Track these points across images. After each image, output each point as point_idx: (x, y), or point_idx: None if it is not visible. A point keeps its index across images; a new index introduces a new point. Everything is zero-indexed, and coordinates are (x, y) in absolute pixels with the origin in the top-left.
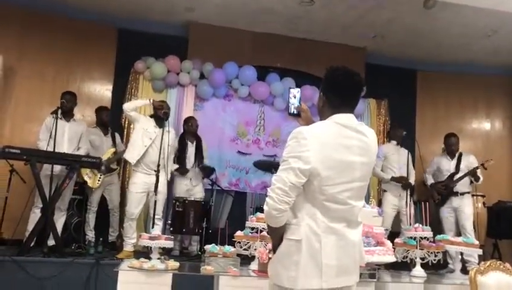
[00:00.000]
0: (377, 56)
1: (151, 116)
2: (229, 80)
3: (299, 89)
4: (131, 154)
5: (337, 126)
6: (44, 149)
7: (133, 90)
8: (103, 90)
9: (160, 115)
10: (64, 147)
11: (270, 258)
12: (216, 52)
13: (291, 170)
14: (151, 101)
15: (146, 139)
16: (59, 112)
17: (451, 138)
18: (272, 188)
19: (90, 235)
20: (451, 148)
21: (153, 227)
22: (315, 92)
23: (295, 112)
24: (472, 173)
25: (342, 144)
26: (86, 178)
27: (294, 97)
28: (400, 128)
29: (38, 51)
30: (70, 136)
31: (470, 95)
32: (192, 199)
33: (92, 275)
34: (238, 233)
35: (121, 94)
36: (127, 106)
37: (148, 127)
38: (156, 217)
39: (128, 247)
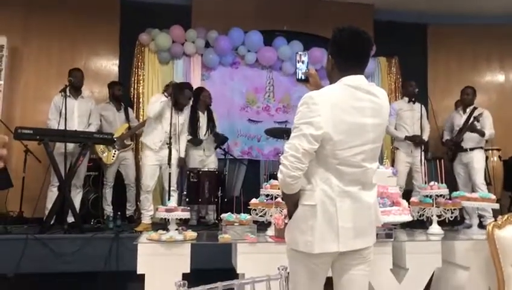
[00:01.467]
0: (385, 12)
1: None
2: (235, 47)
3: (306, 53)
4: (152, 140)
5: (348, 88)
6: (55, 128)
7: (139, 64)
8: (110, 65)
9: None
10: (75, 124)
11: (286, 224)
12: (220, 19)
13: (304, 137)
14: (168, 96)
15: (166, 125)
16: (67, 89)
17: (466, 89)
18: (284, 156)
19: (108, 210)
20: (464, 101)
21: (169, 199)
22: (324, 54)
23: (303, 78)
24: (470, 129)
25: (353, 107)
26: (100, 154)
27: (302, 62)
28: (411, 84)
29: (43, 30)
30: (80, 113)
31: (483, 47)
32: (206, 169)
33: (112, 249)
34: (253, 201)
35: (127, 68)
36: (153, 115)
37: (166, 112)
38: (171, 189)
39: (146, 219)
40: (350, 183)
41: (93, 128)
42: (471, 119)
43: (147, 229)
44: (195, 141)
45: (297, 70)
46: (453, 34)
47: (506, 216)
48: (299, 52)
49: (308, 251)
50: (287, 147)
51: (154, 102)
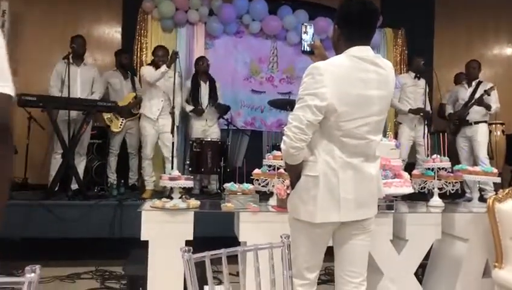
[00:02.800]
0: None
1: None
2: (240, 16)
3: (311, 24)
4: (150, 110)
5: (353, 60)
6: (56, 95)
7: (142, 31)
8: (112, 33)
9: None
10: (78, 92)
11: (288, 194)
12: None
13: (308, 108)
14: (167, 68)
15: (160, 94)
16: (70, 57)
17: (471, 63)
18: (288, 127)
19: (112, 177)
20: (469, 74)
21: (172, 168)
22: (329, 24)
23: (308, 49)
24: (479, 102)
25: (358, 78)
26: (108, 122)
27: (306, 33)
28: (418, 59)
29: None
30: (83, 81)
31: (492, 18)
32: (209, 139)
33: (116, 215)
34: (256, 171)
35: (130, 35)
36: (153, 80)
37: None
38: (169, 157)
39: (150, 186)
40: (353, 155)
41: (96, 96)
42: (482, 92)
43: (153, 196)
44: (197, 111)
45: (302, 41)
46: (461, 6)
47: (507, 190)
48: (305, 24)
49: (310, 220)
50: (291, 118)
51: (152, 70)
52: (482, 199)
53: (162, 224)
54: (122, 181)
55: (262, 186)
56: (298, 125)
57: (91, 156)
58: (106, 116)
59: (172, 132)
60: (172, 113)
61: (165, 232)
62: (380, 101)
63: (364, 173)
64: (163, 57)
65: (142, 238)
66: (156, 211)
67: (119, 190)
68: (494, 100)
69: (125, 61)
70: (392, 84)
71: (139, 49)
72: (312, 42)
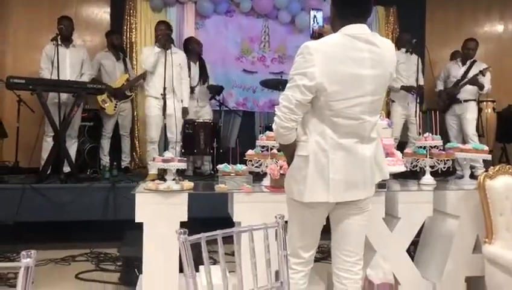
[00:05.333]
0: None
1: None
2: None
3: (321, 11)
4: (155, 89)
5: (347, 38)
6: (48, 78)
7: (131, 11)
8: (101, 13)
9: (161, 41)
10: (67, 73)
11: (281, 175)
12: None
13: (297, 88)
14: (158, 47)
15: (161, 70)
16: (58, 38)
17: (469, 42)
18: (278, 107)
19: (105, 160)
20: (466, 52)
21: (166, 149)
22: (321, 2)
23: (316, 35)
24: (473, 82)
25: (350, 57)
26: (102, 104)
27: (315, 19)
28: (409, 36)
29: None
30: (72, 63)
31: None
32: (201, 120)
33: (109, 198)
34: (249, 152)
35: (119, 16)
36: (150, 68)
37: (158, 57)
38: (175, 140)
39: (153, 170)
40: (345, 136)
41: (86, 78)
42: (477, 72)
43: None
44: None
45: (311, 27)
46: None
47: (497, 167)
48: (313, 9)
49: (300, 199)
50: (281, 98)
51: (149, 54)
52: (472, 176)
53: (156, 206)
54: (115, 163)
55: (256, 167)
56: (287, 105)
57: (83, 139)
58: (100, 98)
59: (163, 114)
60: (163, 95)
61: (160, 214)
62: (373, 80)
63: (357, 155)
64: (158, 34)
65: (136, 220)
66: (150, 193)
67: (111, 173)
68: (487, 81)
69: (117, 42)
70: (389, 63)
71: (128, 30)
72: (321, 27)
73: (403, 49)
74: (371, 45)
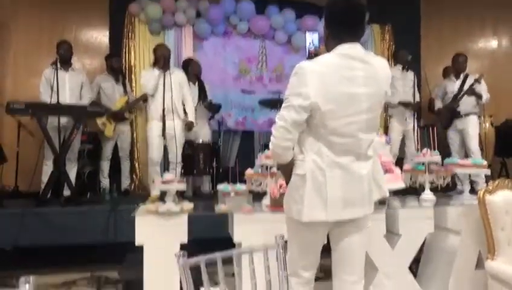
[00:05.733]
0: None
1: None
2: (227, 16)
3: (316, 32)
4: (156, 110)
5: (340, 57)
6: (47, 102)
7: (129, 34)
8: (100, 37)
9: (160, 63)
10: (67, 97)
11: (281, 194)
12: None
13: (292, 107)
14: (157, 70)
15: (160, 92)
16: (58, 62)
17: (458, 57)
18: (274, 127)
19: (105, 182)
20: (456, 68)
21: (165, 170)
22: (317, 23)
23: (313, 56)
24: (470, 92)
25: (344, 76)
26: (101, 127)
27: (311, 39)
28: (405, 52)
29: (32, 2)
30: (71, 86)
31: (476, 13)
32: (200, 141)
33: (109, 221)
34: (249, 171)
35: (118, 39)
36: (151, 91)
37: (158, 79)
38: (175, 161)
39: (155, 191)
40: (342, 154)
41: (85, 101)
42: (473, 81)
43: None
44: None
45: (307, 48)
46: (446, 1)
47: (497, 182)
48: (308, 31)
49: (298, 218)
50: (277, 118)
51: (149, 78)
52: (473, 191)
53: (156, 228)
54: (115, 186)
55: (256, 186)
56: (283, 124)
57: (82, 162)
58: (100, 121)
59: (163, 135)
60: (163, 117)
61: (160, 236)
62: (368, 98)
63: (354, 173)
64: (158, 56)
65: (136, 243)
66: (149, 216)
67: (111, 195)
68: (483, 90)
69: (116, 65)
70: (383, 81)
71: (127, 53)
72: (317, 48)
73: (399, 66)
74: (364, 63)
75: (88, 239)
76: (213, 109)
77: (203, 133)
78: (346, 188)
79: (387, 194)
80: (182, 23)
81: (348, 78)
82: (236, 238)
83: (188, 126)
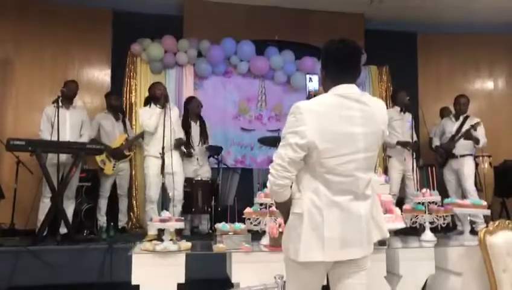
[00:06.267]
0: (376, 22)
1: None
2: (228, 57)
3: (316, 74)
4: (155, 148)
5: (337, 98)
6: (47, 139)
7: (131, 74)
8: (102, 75)
9: (161, 101)
10: (67, 135)
11: (280, 233)
12: (212, 29)
13: (289, 146)
14: (158, 108)
15: (160, 129)
16: (59, 100)
17: (460, 98)
18: (272, 165)
19: (102, 220)
20: (458, 108)
21: (164, 208)
22: (315, 63)
23: (312, 97)
24: (466, 136)
25: (341, 116)
26: (101, 165)
27: (311, 81)
28: (403, 94)
29: (35, 39)
30: (72, 124)
31: (472, 55)
32: (200, 179)
33: (106, 259)
34: (247, 210)
35: (119, 78)
36: (152, 129)
37: (159, 117)
38: (175, 197)
39: (152, 230)
40: (339, 193)
41: (85, 139)
42: (469, 127)
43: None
44: (187, 154)
45: (307, 89)
46: (443, 42)
47: (497, 222)
48: (308, 75)
49: (295, 258)
50: (275, 156)
51: (150, 116)
52: (473, 232)
53: (153, 267)
54: (112, 224)
55: (254, 225)
56: (280, 163)
57: (80, 199)
58: (99, 158)
59: (162, 172)
60: (162, 154)
61: (156, 275)
62: (365, 137)
63: (351, 212)
64: (159, 95)
65: (133, 283)
66: (146, 254)
67: (109, 233)
68: (481, 134)
69: (116, 103)
70: (380, 121)
71: (128, 91)
72: (317, 90)
73: (397, 107)
74: (360, 103)
75: (84, 278)
76: (214, 151)
77: (203, 171)
78: (344, 227)
79: (388, 235)
80: (183, 63)
81: (345, 117)
82: (234, 278)
83: (178, 142)
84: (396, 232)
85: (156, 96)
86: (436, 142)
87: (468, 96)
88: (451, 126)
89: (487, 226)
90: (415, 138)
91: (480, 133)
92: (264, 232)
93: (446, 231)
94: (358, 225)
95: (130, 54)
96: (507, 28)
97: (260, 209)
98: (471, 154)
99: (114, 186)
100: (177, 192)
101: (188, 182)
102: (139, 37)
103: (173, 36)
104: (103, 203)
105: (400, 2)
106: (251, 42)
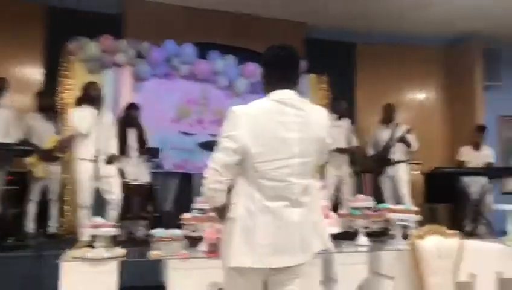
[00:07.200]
0: (317, 31)
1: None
2: (169, 59)
3: None
4: (87, 152)
5: (273, 103)
6: None
7: (66, 73)
8: (34, 74)
9: (96, 102)
10: None
11: (218, 239)
12: (153, 30)
13: (223, 150)
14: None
15: (94, 132)
16: None
17: (387, 107)
18: (206, 170)
19: (31, 227)
20: (386, 117)
21: (100, 215)
22: (257, 69)
23: None
24: (400, 139)
25: (275, 120)
26: (31, 167)
27: None
28: (340, 102)
29: None
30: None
31: (406, 66)
32: (136, 183)
33: (34, 267)
34: (185, 215)
35: (53, 77)
36: (86, 131)
37: (92, 119)
38: (113, 201)
39: (85, 237)
40: (273, 199)
41: (13, 139)
42: (403, 132)
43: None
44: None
45: None
46: (380, 53)
47: (426, 227)
48: None
49: (227, 264)
50: (209, 160)
51: (85, 117)
52: (405, 236)
53: (83, 276)
54: (41, 230)
55: (192, 231)
56: (214, 167)
57: (6, 204)
58: (30, 160)
59: (96, 178)
60: (96, 157)
61: (87, 284)
62: (300, 143)
63: (284, 219)
64: (95, 95)
65: None
66: (76, 262)
67: (37, 240)
68: (412, 139)
69: (47, 103)
70: (318, 127)
71: (62, 91)
72: None
73: (335, 115)
74: (296, 109)
75: (10, 288)
76: (151, 153)
77: (141, 175)
78: (276, 234)
79: (329, 246)
80: (122, 64)
81: (279, 122)
82: (170, 285)
83: (109, 159)
84: (331, 237)
85: (91, 97)
86: (371, 151)
87: (393, 104)
88: (383, 134)
89: (418, 231)
90: (352, 144)
91: (411, 138)
92: (201, 239)
93: (380, 235)
94: (291, 232)
95: (66, 52)
96: (438, 41)
97: (199, 215)
98: (405, 161)
99: (44, 190)
100: (114, 196)
101: (124, 186)
102: (76, 35)
103: (112, 35)
104: (32, 208)
105: (340, 12)
106: (193, 45)
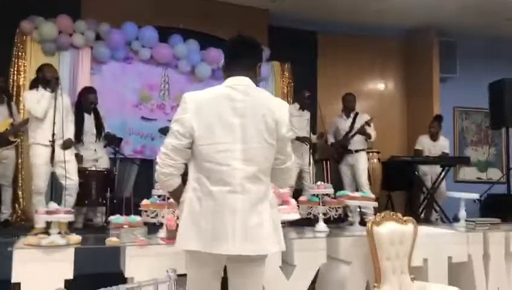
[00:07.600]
0: (279, 18)
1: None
2: (129, 42)
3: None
4: (43, 136)
5: (223, 88)
6: None
7: (19, 53)
8: None
9: (52, 84)
10: None
11: (178, 225)
12: (113, 12)
13: (173, 134)
14: (48, 92)
15: (50, 115)
16: None
17: (347, 97)
18: (158, 154)
19: None
20: (346, 106)
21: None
22: (220, 55)
23: None
24: (361, 131)
25: (222, 105)
26: None
27: None
28: (303, 91)
29: None
30: None
31: (367, 57)
32: (94, 169)
33: None
34: (145, 201)
35: (6, 58)
36: (42, 115)
37: (48, 102)
38: (71, 186)
39: (40, 223)
40: (217, 183)
41: None
42: (363, 123)
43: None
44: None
45: None
46: (340, 43)
47: (383, 214)
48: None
49: (176, 247)
50: (161, 145)
51: (39, 100)
52: (363, 223)
53: (37, 263)
54: None
55: (152, 217)
56: (164, 151)
57: None
58: None
59: (51, 162)
60: (52, 142)
61: (41, 272)
62: (244, 128)
63: (226, 205)
64: (50, 77)
65: (13, 281)
66: (30, 249)
67: None
68: (372, 129)
69: (0, 85)
70: (268, 115)
71: (16, 72)
72: None
73: (297, 104)
74: (246, 95)
75: None
76: (111, 140)
77: (101, 161)
78: (216, 220)
79: (285, 249)
80: (80, 45)
81: (227, 107)
82: (128, 273)
83: (66, 144)
84: (291, 223)
85: (46, 79)
86: (331, 139)
87: (353, 94)
88: (343, 123)
89: (375, 218)
90: (312, 136)
91: (371, 128)
92: (161, 225)
93: (338, 221)
94: (231, 219)
95: (19, 31)
96: (396, 33)
97: (158, 201)
98: (364, 150)
99: None
100: (71, 181)
101: (82, 172)
102: (30, 14)
103: (69, 16)
104: None
105: (302, 1)
106: (154, 28)
